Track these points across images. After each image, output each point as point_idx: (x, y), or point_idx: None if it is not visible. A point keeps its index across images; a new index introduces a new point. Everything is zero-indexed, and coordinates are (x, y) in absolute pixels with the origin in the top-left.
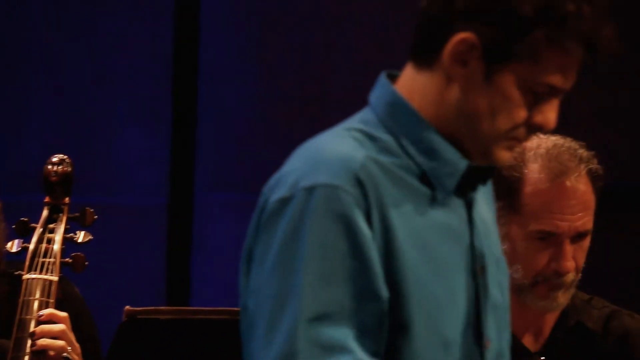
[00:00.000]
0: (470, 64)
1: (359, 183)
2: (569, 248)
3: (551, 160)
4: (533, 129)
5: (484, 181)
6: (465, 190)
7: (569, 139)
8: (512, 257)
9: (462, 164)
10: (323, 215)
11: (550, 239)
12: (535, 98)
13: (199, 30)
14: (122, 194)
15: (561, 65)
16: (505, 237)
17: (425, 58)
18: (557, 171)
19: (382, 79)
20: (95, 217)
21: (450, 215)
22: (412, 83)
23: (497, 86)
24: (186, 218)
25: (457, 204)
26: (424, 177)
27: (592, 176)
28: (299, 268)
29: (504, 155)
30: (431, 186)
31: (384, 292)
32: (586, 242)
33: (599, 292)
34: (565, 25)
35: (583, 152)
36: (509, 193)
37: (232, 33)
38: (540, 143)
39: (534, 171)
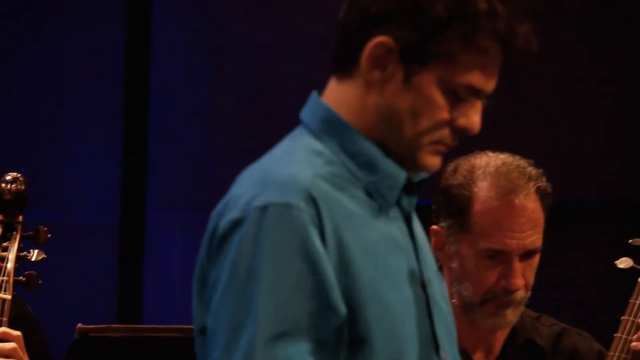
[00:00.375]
0: (388, 67)
1: (312, 200)
2: (518, 266)
3: (500, 178)
4: (457, 132)
5: (419, 194)
6: (403, 202)
7: (517, 157)
8: (462, 275)
9: (401, 175)
10: (277, 234)
11: (500, 257)
12: (457, 99)
13: (150, 48)
14: (75, 212)
15: (480, 65)
16: (454, 255)
17: (345, 68)
18: (506, 189)
19: (314, 96)
20: (49, 235)
21: (395, 228)
22: (336, 95)
23: (417, 88)
24: (138, 236)
25: (398, 217)
26: (366, 191)
27: (541, 194)
28: (255, 288)
29: (432, 161)
30: (373, 199)
31: (342, 307)
32: (535, 260)
33: (552, 310)
34: (477, 23)
35: (532, 170)
36: (459, 212)
37: (183, 51)
38: (489, 161)
39: (483, 189)
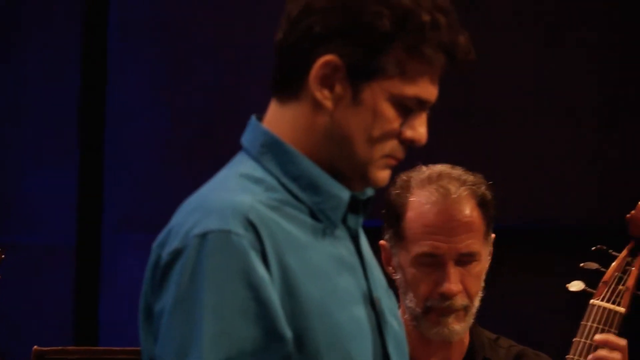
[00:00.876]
0: (336, 86)
1: (251, 226)
2: (453, 270)
3: (432, 183)
4: (406, 144)
5: (365, 212)
6: (349, 221)
7: (458, 168)
8: (405, 286)
9: (345, 195)
10: (218, 261)
11: (435, 263)
12: (405, 112)
13: (106, 70)
14: (31, 233)
15: (426, 76)
16: (397, 267)
17: (290, 89)
18: (437, 194)
19: (253, 121)
20: (3, 256)
21: (341, 247)
22: (279, 118)
23: (367, 104)
24: (94, 258)
25: (344, 236)
26: (311, 212)
27: (479, 200)
28: (198, 317)
29: (382, 175)
30: (317, 220)
31: (287, 332)
32: (476, 268)
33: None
34: (423, 35)
35: (469, 177)
36: (395, 220)
37: (138, 74)
38: (425, 170)
39: (416, 196)
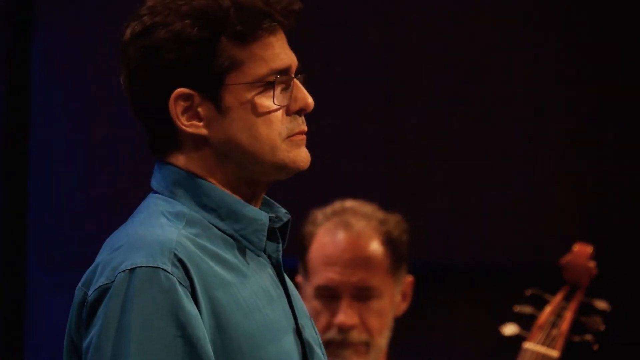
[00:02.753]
0: (199, 110)
1: (180, 262)
2: (347, 303)
3: (335, 216)
4: (299, 115)
5: (283, 239)
6: (268, 249)
7: (371, 205)
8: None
9: (264, 218)
10: (146, 297)
11: (332, 295)
12: (277, 90)
13: (29, 111)
14: None
15: (268, 48)
16: (305, 300)
17: (165, 141)
18: (337, 225)
19: (158, 163)
20: None
21: (265, 278)
22: (177, 164)
23: (234, 106)
24: (19, 297)
25: (266, 265)
26: (234, 242)
27: (384, 237)
28: (125, 353)
29: (297, 155)
30: (242, 251)
31: None
32: (377, 304)
33: None
34: (233, 19)
35: (378, 214)
36: (303, 253)
37: (61, 114)
38: (331, 207)
39: (320, 228)
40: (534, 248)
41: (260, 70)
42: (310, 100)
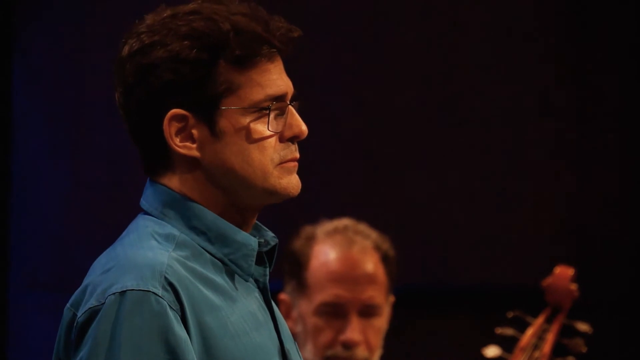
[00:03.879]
0: (193, 132)
1: (169, 285)
2: (355, 320)
3: (337, 234)
4: (292, 142)
5: (270, 262)
6: (255, 273)
7: (362, 223)
8: (304, 337)
9: (253, 242)
10: (136, 321)
11: (337, 313)
12: (272, 115)
13: (11, 131)
14: None
15: (265, 74)
16: (298, 318)
17: (159, 162)
18: (343, 243)
19: (150, 183)
20: None
21: (252, 302)
22: (169, 185)
23: (228, 131)
24: (1, 319)
25: (253, 289)
26: (222, 266)
27: (382, 255)
28: None
29: (288, 182)
30: (230, 274)
31: None
32: (378, 322)
33: None
34: (232, 43)
35: (372, 233)
36: (298, 270)
37: (43, 135)
38: (330, 223)
39: (321, 246)
40: (515, 270)
41: (256, 95)
42: (304, 128)
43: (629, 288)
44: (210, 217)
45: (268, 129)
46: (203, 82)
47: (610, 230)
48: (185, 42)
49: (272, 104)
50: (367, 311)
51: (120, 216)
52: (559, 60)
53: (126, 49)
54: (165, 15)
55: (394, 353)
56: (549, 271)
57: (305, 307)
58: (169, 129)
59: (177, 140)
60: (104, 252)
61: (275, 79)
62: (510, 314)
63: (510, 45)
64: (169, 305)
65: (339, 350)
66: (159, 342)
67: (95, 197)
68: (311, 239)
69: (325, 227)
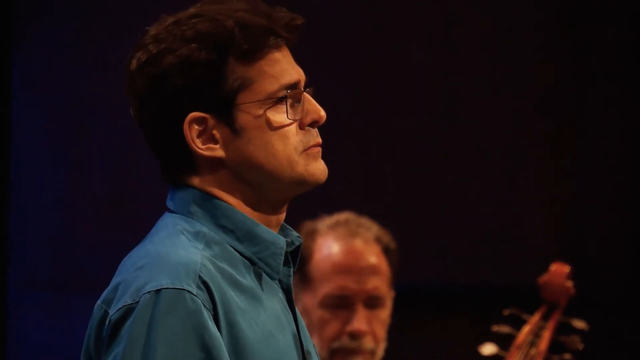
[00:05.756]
0: (214, 133)
1: (204, 285)
2: (362, 311)
3: (339, 227)
4: (313, 127)
5: (294, 264)
6: (280, 274)
7: (364, 218)
8: (309, 331)
9: (281, 241)
10: (171, 319)
11: (343, 304)
12: (288, 105)
13: (10, 131)
14: None
15: (276, 65)
16: (301, 313)
17: (181, 167)
18: (346, 234)
19: (174, 187)
20: None
21: (276, 303)
22: (190, 194)
23: (249, 126)
24: (0, 318)
25: (277, 290)
26: (250, 265)
27: (384, 247)
28: None
29: (317, 167)
30: (257, 274)
31: None
32: (383, 313)
33: None
34: (239, 39)
35: (373, 226)
36: (301, 265)
37: (42, 135)
38: (331, 217)
39: (323, 239)
40: (511, 268)
41: (270, 86)
42: (322, 112)
43: (625, 285)
44: (239, 215)
45: (287, 118)
46: (216, 81)
47: (606, 228)
48: (193, 45)
49: (287, 92)
50: (372, 302)
51: (120, 216)
52: (559, 61)
53: (134, 62)
54: (168, 23)
55: (391, 350)
56: (545, 269)
57: (310, 300)
58: (190, 133)
59: (199, 143)
60: (133, 250)
61: (287, 68)
62: (506, 312)
63: (510, 46)
64: (203, 304)
65: (345, 341)
66: (195, 341)
67: (95, 197)
68: (313, 233)
69: (327, 221)
